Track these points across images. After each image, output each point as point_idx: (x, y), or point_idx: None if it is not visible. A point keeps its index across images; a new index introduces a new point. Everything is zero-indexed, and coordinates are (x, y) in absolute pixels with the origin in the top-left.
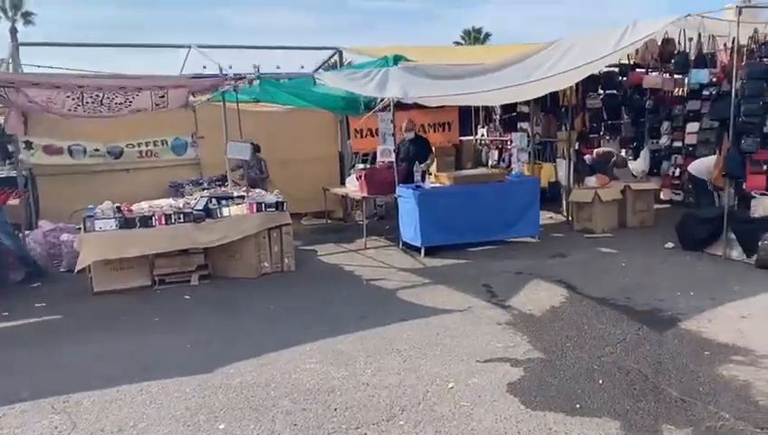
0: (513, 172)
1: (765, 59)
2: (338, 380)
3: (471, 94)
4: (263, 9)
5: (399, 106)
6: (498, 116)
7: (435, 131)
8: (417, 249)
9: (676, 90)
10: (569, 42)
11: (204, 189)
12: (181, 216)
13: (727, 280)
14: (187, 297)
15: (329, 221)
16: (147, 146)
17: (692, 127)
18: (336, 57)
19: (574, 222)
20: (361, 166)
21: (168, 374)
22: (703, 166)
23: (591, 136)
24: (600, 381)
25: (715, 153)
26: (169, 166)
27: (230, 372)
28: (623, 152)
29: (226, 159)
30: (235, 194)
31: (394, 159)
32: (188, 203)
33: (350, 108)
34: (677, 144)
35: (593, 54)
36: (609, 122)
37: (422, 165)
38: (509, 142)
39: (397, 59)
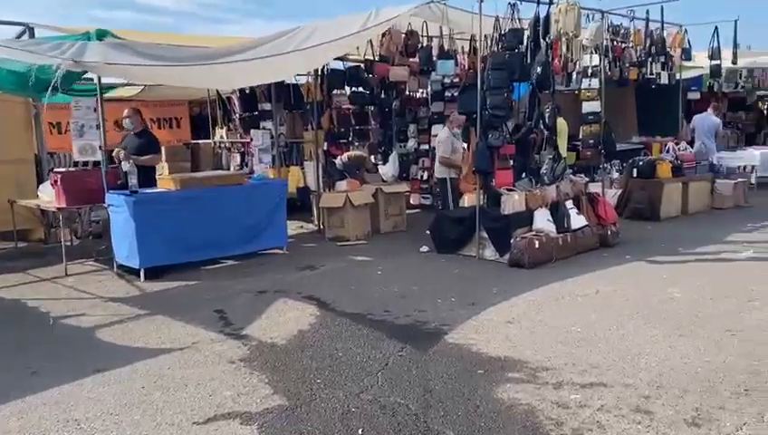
0: (256, 175)
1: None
2: None
3: (195, 69)
4: None
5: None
6: (238, 115)
7: (161, 128)
8: (137, 272)
9: (420, 90)
10: (310, 28)
11: None
12: None
13: (485, 282)
14: None
15: (20, 245)
16: None
17: (436, 129)
18: (26, 36)
19: (326, 230)
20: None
21: None
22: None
23: (341, 141)
24: (360, 431)
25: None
26: None
27: None
28: (372, 158)
29: None
30: None
31: (102, 159)
32: None
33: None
34: (425, 147)
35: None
36: (358, 128)
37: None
38: (251, 144)
39: (101, 34)
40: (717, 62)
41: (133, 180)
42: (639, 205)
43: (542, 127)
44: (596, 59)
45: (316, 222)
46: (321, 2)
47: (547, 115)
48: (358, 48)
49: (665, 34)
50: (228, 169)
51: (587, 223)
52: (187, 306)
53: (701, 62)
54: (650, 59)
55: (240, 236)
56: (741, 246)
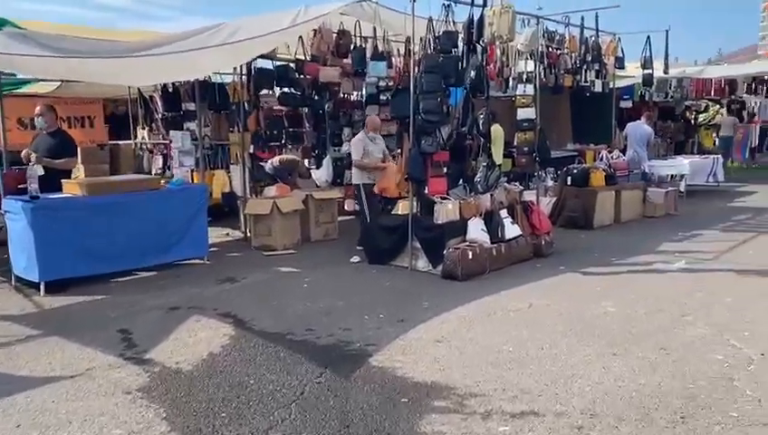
0: (175, 179)
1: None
2: None
3: (101, 62)
4: None
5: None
6: (160, 115)
7: (72, 127)
8: (37, 285)
9: (355, 93)
10: (235, 24)
11: None
12: None
13: (416, 295)
14: None
15: None
16: None
17: None
18: None
19: (252, 238)
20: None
21: None
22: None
23: (272, 144)
24: None
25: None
26: None
27: None
28: (306, 162)
29: None
30: None
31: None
32: None
33: None
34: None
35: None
36: (291, 130)
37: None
38: (171, 146)
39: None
40: (649, 71)
41: (34, 185)
42: (573, 213)
43: (476, 133)
44: (531, 65)
45: (243, 229)
46: (264, 3)
47: (481, 121)
48: (288, 47)
49: (599, 43)
50: (150, 172)
51: (521, 233)
52: (89, 325)
53: (633, 71)
54: (585, 66)
55: (156, 245)
56: (673, 257)
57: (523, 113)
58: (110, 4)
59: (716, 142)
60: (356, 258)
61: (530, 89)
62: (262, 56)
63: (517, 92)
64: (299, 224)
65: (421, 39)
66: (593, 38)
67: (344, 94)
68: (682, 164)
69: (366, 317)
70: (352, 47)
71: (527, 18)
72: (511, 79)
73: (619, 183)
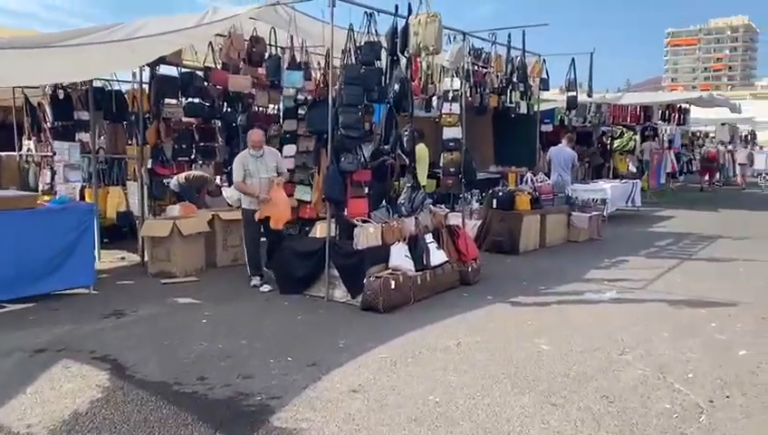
0: (58, 196)
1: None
2: None
3: None
4: None
5: None
6: (49, 124)
7: None
8: None
9: (271, 106)
10: (137, 24)
11: None
12: None
13: (332, 332)
14: None
15: None
16: None
17: (289, 150)
18: None
19: (149, 264)
20: None
21: None
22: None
23: (181, 159)
24: None
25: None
26: None
27: None
28: (218, 179)
29: None
30: None
31: None
32: None
33: None
34: None
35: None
36: (203, 144)
37: None
38: (55, 158)
39: None
40: (573, 93)
41: None
42: (499, 237)
43: (399, 152)
44: (457, 83)
45: (141, 253)
46: (177, 9)
47: (405, 139)
48: (197, 53)
49: (525, 61)
50: (36, 188)
51: (447, 259)
52: None
53: (553, 96)
54: (510, 87)
55: (31, 272)
56: (602, 285)
57: (448, 133)
58: (18, 10)
59: (629, 167)
60: (266, 287)
61: (456, 108)
62: (166, 62)
63: (443, 111)
64: (203, 248)
65: (342, 51)
66: (519, 57)
67: (259, 107)
68: (603, 189)
69: (272, 361)
70: (267, 56)
71: (453, 34)
72: (435, 97)
73: (544, 207)
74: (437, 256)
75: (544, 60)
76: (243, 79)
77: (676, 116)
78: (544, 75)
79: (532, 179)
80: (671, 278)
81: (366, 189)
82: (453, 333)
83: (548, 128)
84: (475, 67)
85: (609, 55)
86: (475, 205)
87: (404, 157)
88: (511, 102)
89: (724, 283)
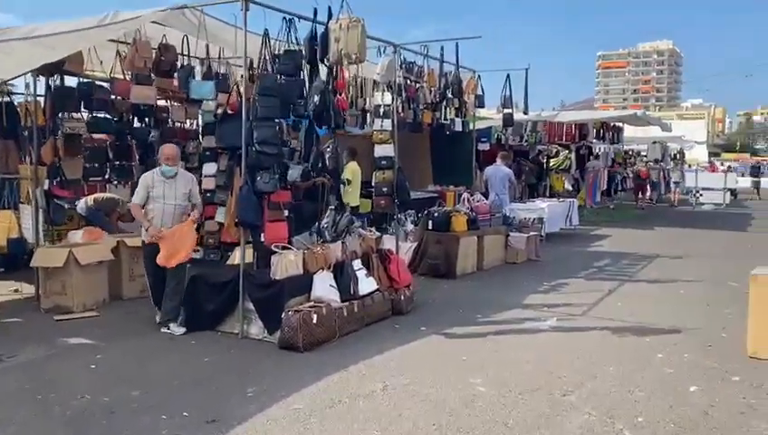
0: None
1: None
2: None
3: None
4: None
5: None
6: None
7: None
8: None
9: (189, 121)
10: (28, 28)
11: None
12: None
13: (242, 377)
14: None
15: None
16: None
17: (209, 168)
18: None
19: (42, 297)
20: None
21: None
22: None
23: (94, 180)
24: None
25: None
26: None
27: None
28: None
29: None
30: None
31: None
32: None
33: None
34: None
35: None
36: (117, 163)
37: None
38: None
39: None
40: (509, 110)
41: None
42: (435, 260)
43: (321, 170)
44: (388, 97)
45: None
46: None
47: (328, 156)
48: (102, 63)
49: (460, 76)
50: None
51: (377, 287)
52: None
53: (490, 114)
54: (444, 102)
55: None
56: (542, 312)
57: (380, 150)
58: None
59: (565, 185)
60: (180, 330)
61: (387, 124)
62: (67, 72)
63: (374, 127)
64: (106, 278)
65: (258, 60)
66: (453, 72)
67: (174, 122)
68: (540, 208)
69: (164, 417)
70: (180, 65)
71: (384, 46)
72: (369, 114)
73: (481, 228)
74: (367, 285)
75: (479, 76)
76: (147, 90)
77: (611, 134)
78: (479, 92)
79: (468, 199)
80: (611, 302)
81: (286, 212)
82: (380, 373)
83: (485, 146)
84: (408, 81)
85: (542, 78)
86: (410, 226)
87: (328, 175)
88: (446, 119)
89: (665, 306)
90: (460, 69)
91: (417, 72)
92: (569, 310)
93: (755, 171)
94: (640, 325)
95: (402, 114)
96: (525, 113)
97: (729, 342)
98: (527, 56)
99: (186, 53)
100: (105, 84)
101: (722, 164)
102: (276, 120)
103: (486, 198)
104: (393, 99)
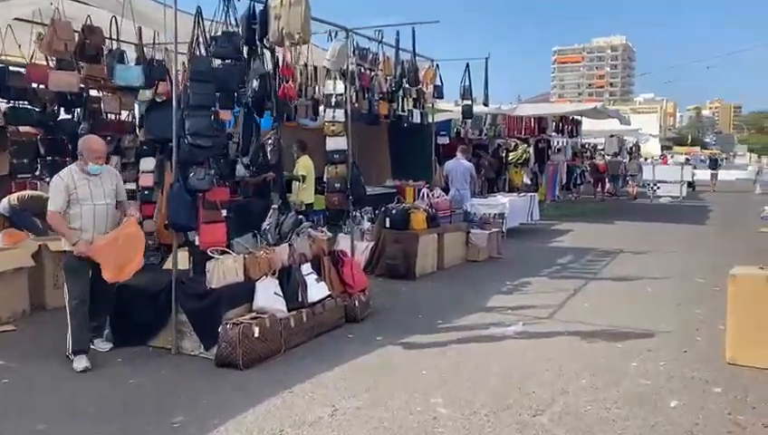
0: None
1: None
2: None
3: None
4: None
5: None
6: None
7: None
8: None
9: (126, 112)
10: None
11: None
12: None
13: (170, 403)
14: None
15: None
16: None
17: (147, 164)
18: None
19: None
20: None
21: None
22: None
23: (23, 177)
24: None
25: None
26: None
27: None
28: None
29: None
30: None
31: None
32: None
33: None
34: (131, 186)
35: None
36: (49, 159)
37: None
38: None
39: None
40: (469, 102)
41: None
42: (393, 261)
43: (261, 163)
44: (341, 86)
45: None
46: None
47: (269, 149)
48: (20, 46)
49: (417, 64)
50: None
51: (329, 293)
52: None
53: (450, 106)
54: (401, 92)
55: None
56: (506, 315)
57: (333, 143)
58: None
59: (524, 179)
60: (98, 340)
61: (340, 114)
62: None
63: (326, 118)
64: (26, 286)
65: (190, 42)
66: (410, 60)
67: (107, 113)
68: (502, 203)
69: None
70: (108, 50)
71: (334, 30)
72: (322, 106)
73: (441, 225)
74: (317, 291)
75: (437, 65)
76: (68, 76)
77: (569, 128)
78: (438, 82)
79: (428, 195)
80: (578, 303)
81: (224, 212)
82: (329, 395)
83: (444, 140)
84: (362, 69)
85: (499, 73)
86: (367, 224)
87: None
88: (403, 110)
89: (634, 307)
90: (418, 58)
91: (371, 59)
92: (534, 312)
93: (713, 164)
94: (611, 329)
95: (356, 104)
96: (486, 105)
97: (704, 346)
98: (484, 50)
99: (116, 37)
100: (22, 70)
101: (671, 157)
102: (211, 109)
103: (446, 194)
104: (346, 88)
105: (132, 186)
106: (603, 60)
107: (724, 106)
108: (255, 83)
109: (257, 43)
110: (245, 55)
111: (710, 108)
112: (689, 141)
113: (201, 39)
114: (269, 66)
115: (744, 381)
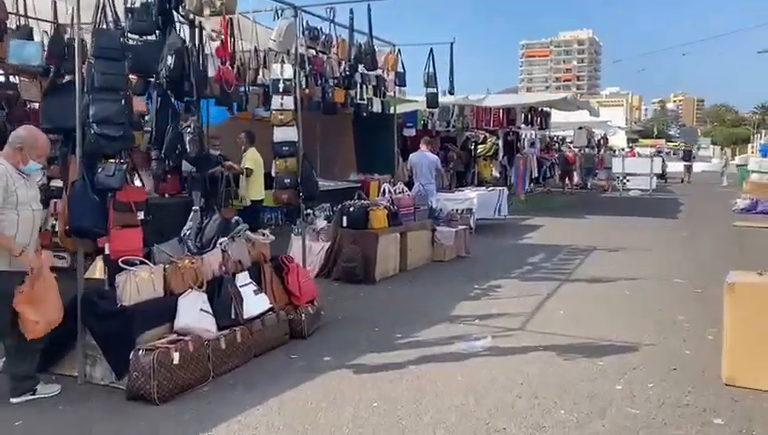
0: None
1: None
2: None
3: None
4: None
5: None
6: None
7: None
8: None
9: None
10: None
11: None
12: None
13: None
14: None
15: None
16: None
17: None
18: None
19: None
20: None
21: None
22: None
23: None
24: None
25: None
26: None
27: None
28: None
29: None
30: None
31: None
32: None
33: None
34: (58, 183)
35: None
36: None
37: None
38: None
39: None
40: (433, 90)
41: None
42: (350, 263)
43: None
44: (289, 70)
45: None
46: None
47: (188, 139)
48: None
49: (376, 49)
50: None
51: (271, 305)
52: None
53: (416, 97)
54: (360, 79)
55: None
56: (473, 326)
57: (281, 134)
58: None
59: (493, 172)
60: (42, 390)
61: (288, 102)
62: None
63: (273, 106)
64: None
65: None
66: (366, 41)
67: (27, 102)
68: (469, 198)
69: None
70: (13, 28)
71: (281, 7)
72: (271, 92)
73: (404, 223)
74: (256, 304)
75: (399, 50)
76: None
77: (539, 120)
78: (400, 68)
79: (389, 190)
80: (552, 309)
81: (141, 214)
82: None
83: (411, 132)
84: (312, 52)
85: (466, 63)
86: (323, 223)
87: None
88: (362, 99)
89: (612, 313)
90: (378, 42)
91: (323, 40)
92: (505, 322)
93: (687, 156)
94: (589, 341)
95: (307, 91)
96: (451, 93)
97: (694, 361)
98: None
99: (23, 13)
100: None
101: (632, 149)
102: (121, 93)
103: (410, 188)
104: (295, 72)
105: (60, 182)
106: (570, 54)
107: (687, 99)
108: (170, 60)
109: (172, 12)
110: (160, 27)
111: (674, 101)
112: (655, 134)
113: (108, 10)
114: (188, 41)
115: (746, 409)
